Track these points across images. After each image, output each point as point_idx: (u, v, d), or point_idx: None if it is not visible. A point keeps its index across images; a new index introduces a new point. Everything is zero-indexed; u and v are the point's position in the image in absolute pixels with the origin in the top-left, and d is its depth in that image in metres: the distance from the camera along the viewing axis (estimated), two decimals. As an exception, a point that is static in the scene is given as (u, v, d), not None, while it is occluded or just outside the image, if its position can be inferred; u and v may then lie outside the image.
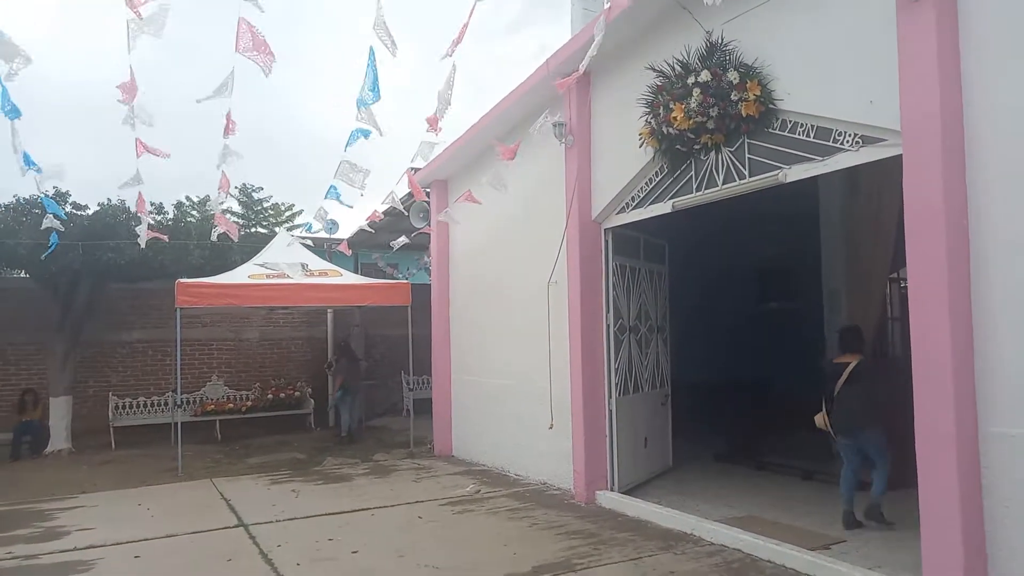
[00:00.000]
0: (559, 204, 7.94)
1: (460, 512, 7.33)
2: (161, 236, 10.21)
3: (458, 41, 6.29)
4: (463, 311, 10.80)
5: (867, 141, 4.90)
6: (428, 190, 11.51)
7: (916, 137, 4.43)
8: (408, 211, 11.85)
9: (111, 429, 12.27)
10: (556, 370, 7.99)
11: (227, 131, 7.51)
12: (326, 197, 9.10)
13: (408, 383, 14.36)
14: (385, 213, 11.00)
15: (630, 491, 7.52)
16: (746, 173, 5.88)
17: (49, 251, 9.19)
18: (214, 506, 7.84)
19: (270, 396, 13.74)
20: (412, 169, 11.61)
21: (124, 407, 12.77)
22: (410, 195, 11.97)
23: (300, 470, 9.93)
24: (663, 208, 6.82)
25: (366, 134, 7.25)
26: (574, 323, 7.69)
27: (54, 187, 9.70)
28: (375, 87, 6.48)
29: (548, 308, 8.15)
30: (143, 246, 9.52)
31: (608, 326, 7.65)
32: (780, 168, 5.57)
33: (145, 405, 12.97)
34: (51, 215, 8.48)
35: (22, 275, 12.68)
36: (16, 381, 12.48)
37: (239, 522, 7.10)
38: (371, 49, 6.29)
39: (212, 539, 6.55)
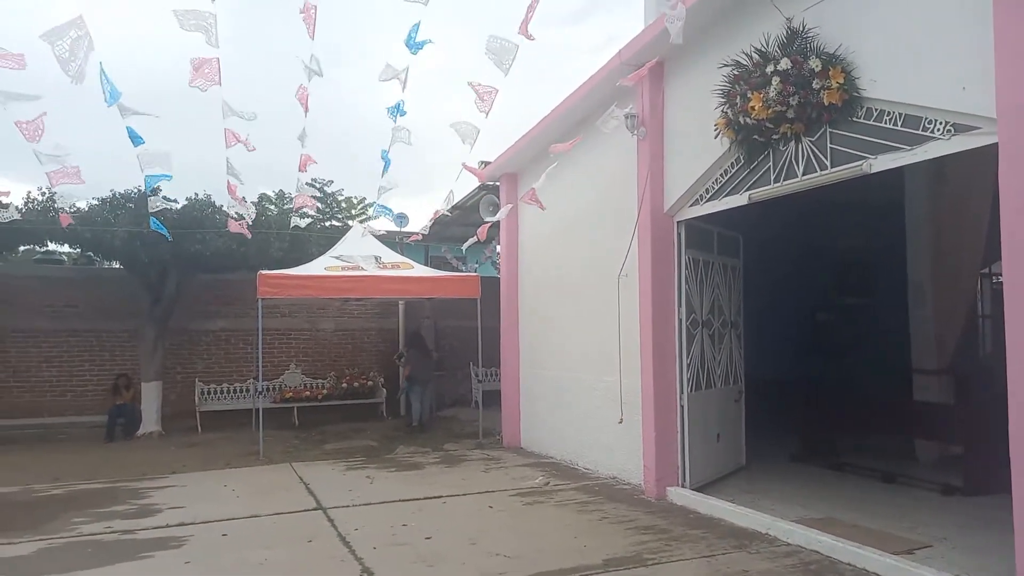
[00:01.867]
0: (631, 197, 7.88)
1: (530, 503, 7.40)
2: (245, 232, 10.66)
3: (527, 21, 6.34)
4: (532, 304, 10.86)
5: (959, 129, 4.68)
6: (498, 183, 11.61)
7: (1012, 125, 4.20)
8: (478, 206, 12.00)
9: (197, 413, 12.89)
10: (626, 364, 7.95)
11: (304, 106, 7.91)
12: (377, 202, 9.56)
13: (477, 375, 14.54)
14: (450, 210, 11.21)
15: (701, 488, 7.43)
16: (828, 163, 5.70)
17: (159, 229, 9.66)
18: (294, 489, 8.16)
19: (344, 385, 14.17)
20: (483, 163, 11.76)
21: (209, 393, 13.39)
22: (478, 190, 12.15)
23: (373, 457, 10.20)
24: (739, 200, 6.68)
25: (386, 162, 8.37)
26: (645, 317, 7.63)
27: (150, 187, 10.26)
28: (413, 45, 6.73)
29: (618, 301, 8.10)
30: (237, 224, 10.02)
31: (680, 320, 7.56)
32: (865, 158, 5.37)
33: (228, 391, 13.58)
34: (153, 193, 9.00)
35: (117, 266, 13.44)
36: (111, 367, 13.25)
37: (317, 505, 7.37)
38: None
39: (293, 520, 6.82)
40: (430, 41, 7.21)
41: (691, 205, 7.38)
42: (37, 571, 5.48)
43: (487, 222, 11.39)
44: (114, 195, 11.46)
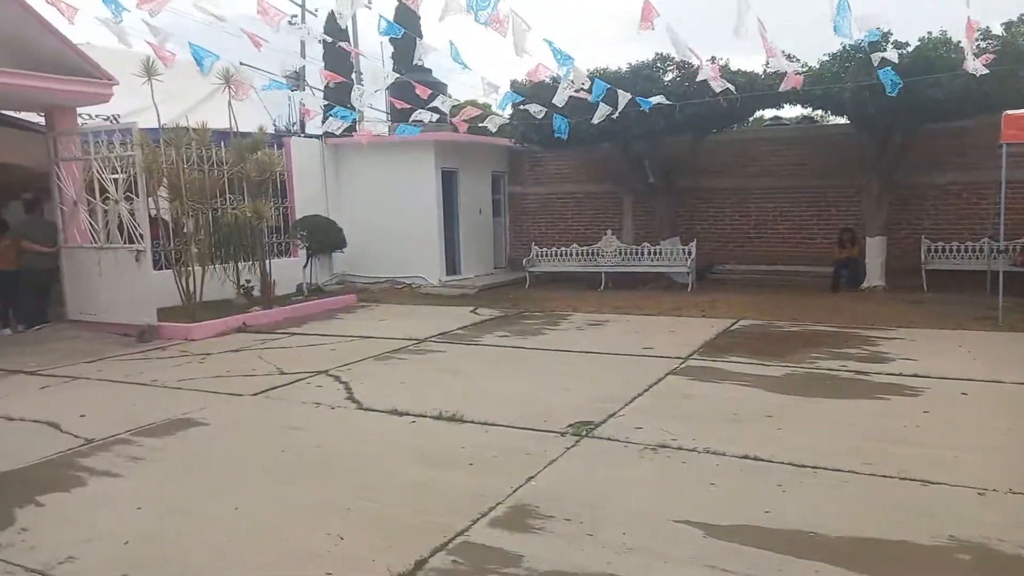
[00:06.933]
0: None
1: None
2: (980, 69, 9.24)
3: None
4: None
5: None
6: None
7: None
8: None
9: (923, 271, 12.30)
10: None
11: None
12: None
13: None
14: None
15: None
16: None
17: (889, 78, 9.42)
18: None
19: None
20: None
21: (936, 251, 12.55)
22: None
23: None
24: None
25: None
26: None
27: (877, 28, 9.69)
28: None
29: None
30: (976, 74, 9.01)
31: None
32: None
33: (959, 251, 12.44)
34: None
35: (839, 122, 13.52)
36: (835, 221, 13.73)
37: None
38: None
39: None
40: None
41: None
42: (785, 389, 6.23)
43: None
44: (844, 49, 11.33)
